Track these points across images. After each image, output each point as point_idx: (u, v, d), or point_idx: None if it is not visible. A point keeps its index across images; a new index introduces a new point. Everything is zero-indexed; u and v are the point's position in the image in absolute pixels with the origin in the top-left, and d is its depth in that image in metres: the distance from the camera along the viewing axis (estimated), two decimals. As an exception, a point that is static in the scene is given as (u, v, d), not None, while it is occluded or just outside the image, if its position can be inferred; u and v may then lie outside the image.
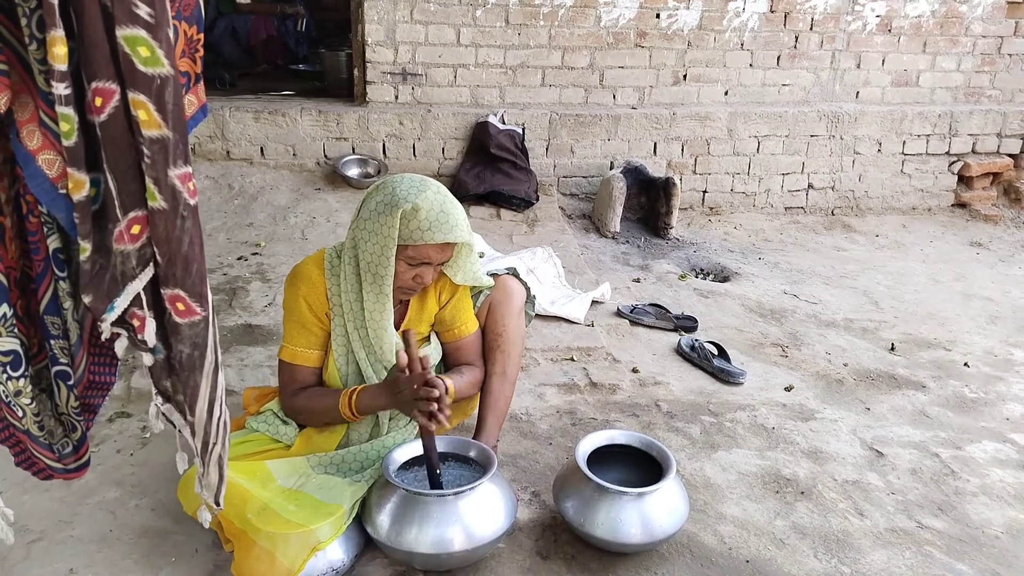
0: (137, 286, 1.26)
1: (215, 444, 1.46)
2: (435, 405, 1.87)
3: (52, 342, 1.44)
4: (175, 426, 1.44)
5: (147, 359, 1.35)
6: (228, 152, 4.58)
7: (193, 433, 1.42)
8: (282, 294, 2.20)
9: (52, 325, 1.43)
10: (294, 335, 2.13)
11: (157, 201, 1.22)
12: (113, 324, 1.29)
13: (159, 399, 1.40)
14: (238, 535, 1.84)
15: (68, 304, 1.43)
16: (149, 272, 1.27)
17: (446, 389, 2.07)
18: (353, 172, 4.58)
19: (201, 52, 1.47)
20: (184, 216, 1.25)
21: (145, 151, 1.20)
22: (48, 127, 1.21)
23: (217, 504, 1.54)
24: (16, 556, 1.95)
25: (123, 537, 2.04)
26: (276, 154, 4.62)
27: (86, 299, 1.26)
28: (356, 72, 4.75)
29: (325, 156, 4.65)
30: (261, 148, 4.60)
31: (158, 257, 1.27)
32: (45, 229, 1.35)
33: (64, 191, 1.23)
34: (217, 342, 1.40)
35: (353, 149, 4.65)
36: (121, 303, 1.26)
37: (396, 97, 4.71)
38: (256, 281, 3.49)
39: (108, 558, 1.96)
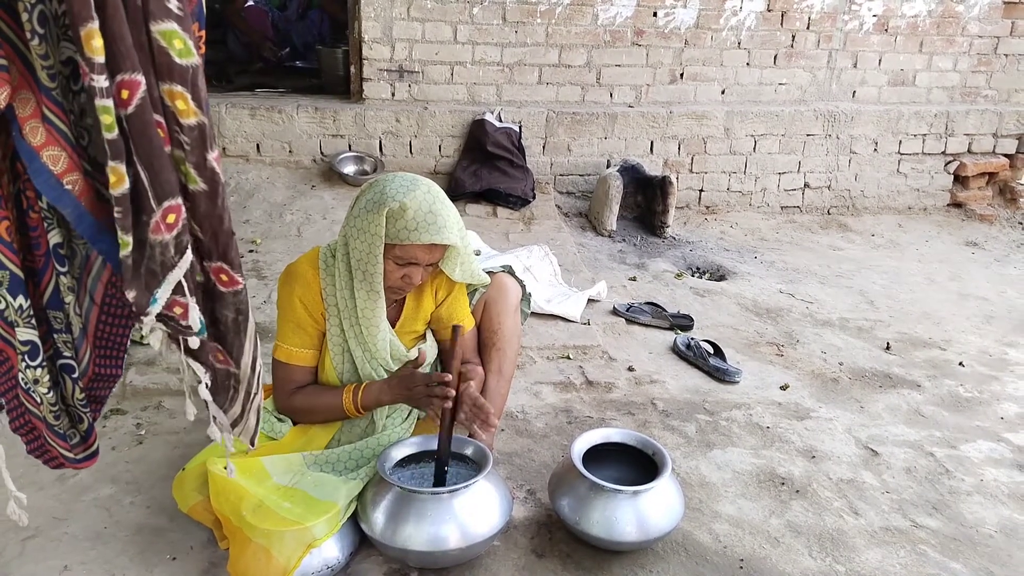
0: (177, 275, 1.28)
1: (256, 394, 1.55)
2: (449, 403, 1.91)
3: (55, 336, 1.44)
4: (206, 402, 1.49)
5: (193, 342, 1.38)
6: (224, 149, 4.56)
7: (238, 383, 1.50)
8: (277, 292, 2.20)
9: (55, 319, 1.43)
10: (288, 335, 2.12)
11: (197, 184, 1.27)
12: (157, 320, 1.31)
13: (207, 375, 1.45)
14: (233, 532, 1.84)
15: (70, 299, 1.43)
16: (188, 259, 1.30)
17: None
18: (349, 169, 4.57)
19: (203, 49, 1.47)
20: (222, 195, 1.31)
21: (184, 139, 1.23)
22: (51, 123, 1.21)
23: (252, 444, 1.61)
24: (11, 553, 1.95)
25: (118, 534, 2.03)
26: (272, 151, 4.61)
27: (129, 295, 1.26)
28: (353, 69, 4.74)
29: (321, 153, 4.64)
30: (257, 145, 4.59)
31: (200, 235, 1.32)
32: (45, 224, 1.35)
33: (70, 187, 1.23)
34: (251, 307, 1.48)
35: (349, 146, 4.65)
36: (163, 294, 1.28)
37: (393, 94, 4.71)
38: (252, 278, 3.48)
39: (103, 555, 1.96)
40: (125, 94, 1.16)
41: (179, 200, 1.26)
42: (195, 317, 1.33)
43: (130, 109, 1.17)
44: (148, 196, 1.22)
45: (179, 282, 1.29)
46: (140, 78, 1.17)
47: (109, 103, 1.15)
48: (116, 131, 1.17)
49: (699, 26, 4.92)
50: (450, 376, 1.92)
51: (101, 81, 1.13)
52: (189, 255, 1.30)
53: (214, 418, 1.52)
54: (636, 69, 4.94)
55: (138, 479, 2.25)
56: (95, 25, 1.11)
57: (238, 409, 1.53)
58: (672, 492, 2.02)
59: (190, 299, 1.32)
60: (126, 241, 1.23)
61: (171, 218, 1.25)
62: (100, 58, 1.12)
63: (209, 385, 1.45)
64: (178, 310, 1.31)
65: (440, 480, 1.98)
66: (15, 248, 1.33)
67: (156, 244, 1.25)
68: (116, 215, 1.22)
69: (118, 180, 1.20)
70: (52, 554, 1.95)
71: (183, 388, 1.51)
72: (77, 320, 1.47)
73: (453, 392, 1.92)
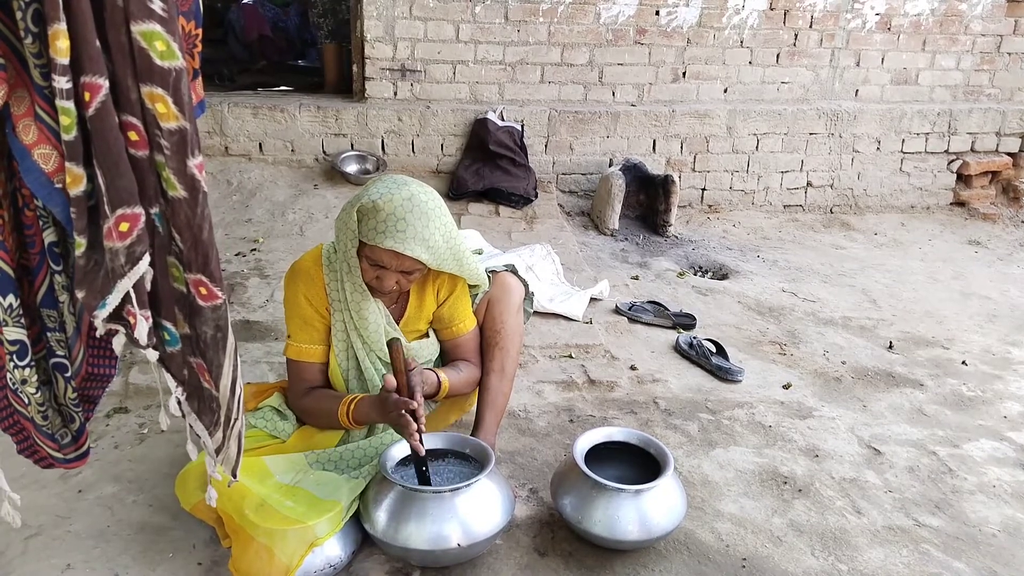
0: (126, 284, 1.26)
1: (236, 420, 1.49)
2: (414, 428, 1.87)
3: (49, 334, 1.44)
4: (183, 414, 1.45)
5: (151, 355, 1.35)
6: (226, 148, 4.57)
7: (219, 406, 1.45)
8: (280, 290, 2.21)
9: (48, 318, 1.43)
10: (297, 332, 2.13)
11: (177, 191, 1.24)
12: (109, 321, 1.29)
13: (179, 389, 1.42)
14: (236, 531, 1.84)
15: (64, 297, 1.43)
16: (139, 270, 1.27)
17: (438, 384, 2.10)
18: (352, 168, 4.57)
19: (199, 47, 1.47)
20: (203, 204, 1.27)
21: (164, 143, 1.21)
22: (44, 122, 1.21)
23: (234, 476, 1.56)
24: (13, 551, 1.95)
25: (120, 532, 2.03)
26: (275, 150, 4.61)
27: (80, 295, 1.26)
28: (355, 68, 4.74)
29: (324, 152, 4.65)
30: (260, 144, 4.59)
31: (180, 244, 1.28)
32: (41, 223, 1.35)
33: (60, 185, 1.23)
34: (231, 324, 1.43)
35: (352, 145, 4.65)
36: (112, 300, 1.26)
37: (395, 93, 4.71)
38: (254, 277, 3.49)
39: (105, 553, 1.96)
40: (87, 96, 1.16)
41: (138, 210, 1.24)
42: (142, 331, 1.30)
43: (90, 112, 1.17)
44: (103, 201, 1.21)
45: (129, 292, 1.27)
46: (103, 82, 1.16)
47: (69, 104, 1.15)
48: (74, 132, 1.17)
49: (701, 25, 4.91)
50: (414, 404, 1.88)
51: (63, 83, 1.13)
52: (143, 267, 1.27)
53: (198, 436, 1.49)
54: (638, 68, 4.93)
55: (140, 477, 2.25)
56: (62, 26, 1.10)
57: (220, 436, 1.50)
58: (674, 491, 2.02)
59: (139, 312, 1.29)
60: (80, 242, 1.24)
61: (124, 226, 1.23)
62: (64, 59, 1.12)
63: (182, 400, 1.42)
64: (132, 319, 1.30)
65: (424, 481, 1.97)
66: (7, 247, 1.33)
67: (107, 250, 1.23)
68: (72, 215, 1.22)
69: (74, 181, 1.20)
70: (55, 552, 1.96)
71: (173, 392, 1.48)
72: (71, 319, 1.47)
73: (414, 427, 1.87)
